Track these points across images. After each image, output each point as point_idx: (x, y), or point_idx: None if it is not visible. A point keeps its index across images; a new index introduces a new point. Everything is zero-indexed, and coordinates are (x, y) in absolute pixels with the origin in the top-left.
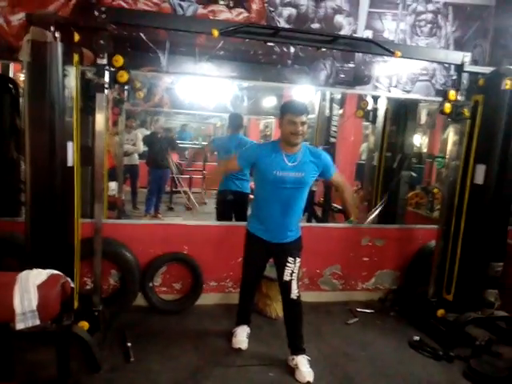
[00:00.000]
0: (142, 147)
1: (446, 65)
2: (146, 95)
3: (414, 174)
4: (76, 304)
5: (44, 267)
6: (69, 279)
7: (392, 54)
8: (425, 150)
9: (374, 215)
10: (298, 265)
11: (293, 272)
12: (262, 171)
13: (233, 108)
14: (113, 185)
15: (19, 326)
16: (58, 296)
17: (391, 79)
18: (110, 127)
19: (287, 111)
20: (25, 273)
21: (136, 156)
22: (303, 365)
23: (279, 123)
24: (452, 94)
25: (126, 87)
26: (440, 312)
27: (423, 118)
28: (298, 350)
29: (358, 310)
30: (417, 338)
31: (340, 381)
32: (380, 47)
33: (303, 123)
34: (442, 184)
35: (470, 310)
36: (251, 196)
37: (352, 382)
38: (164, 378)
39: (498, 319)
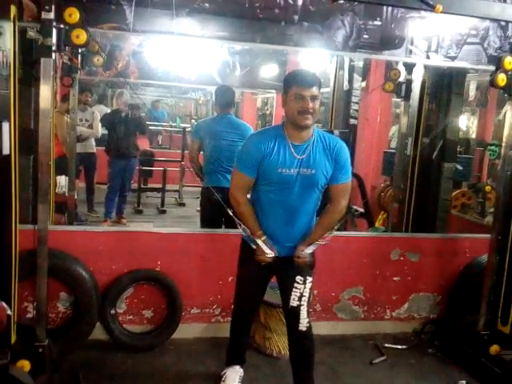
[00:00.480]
0: (100, 130)
1: (503, 23)
2: (107, 62)
3: (459, 167)
4: (13, 337)
5: None
6: (4, 305)
7: (432, 8)
8: (473, 135)
9: None
10: (308, 286)
11: (302, 295)
12: (265, 170)
13: (221, 79)
14: (62, 180)
15: None
16: None
17: (430, 42)
18: (59, 103)
19: (293, 83)
20: None
21: (92, 141)
22: None
23: (283, 100)
24: (509, 60)
25: (80, 51)
26: (494, 349)
27: (472, 93)
28: None
29: (386, 345)
30: (463, 382)
31: None
32: None
33: (314, 98)
34: (496, 180)
35: None
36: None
37: None
38: None
39: None
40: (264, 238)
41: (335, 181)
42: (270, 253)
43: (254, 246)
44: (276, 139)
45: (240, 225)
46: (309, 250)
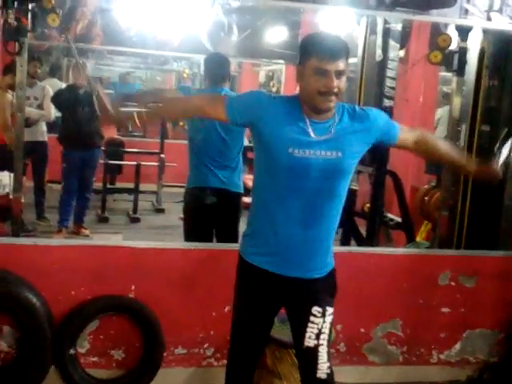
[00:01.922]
0: (53, 111)
1: None
2: (63, 22)
3: None
4: None
5: None
6: None
7: None
8: None
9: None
10: (329, 320)
11: (321, 332)
12: (269, 149)
13: (212, 46)
14: (4, 177)
15: None
16: None
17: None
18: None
19: (313, 52)
20: None
21: (43, 127)
22: None
23: (297, 73)
24: None
25: (30, 7)
26: None
27: None
28: None
29: None
30: None
31: None
32: None
33: (340, 73)
34: None
35: None
36: (245, 199)
37: None
38: None
39: None
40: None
41: (393, 137)
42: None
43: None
44: (290, 111)
45: None
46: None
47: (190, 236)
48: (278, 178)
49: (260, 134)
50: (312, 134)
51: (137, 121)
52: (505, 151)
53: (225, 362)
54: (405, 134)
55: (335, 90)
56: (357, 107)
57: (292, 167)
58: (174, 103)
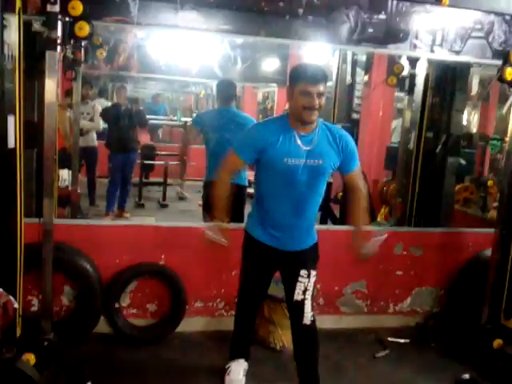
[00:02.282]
0: (101, 123)
1: (508, 17)
2: (108, 55)
3: (462, 162)
4: (19, 331)
5: None
6: (12, 298)
7: (437, 1)
8: (474, 129)
9: None
10: (313, 280)
11: (306, 289)
12: (269, 160)
13: (222, 73)
14: (65, 173)
15: None
16: None
17: (435, 36)
18: (60, 98)
19: (300, 78)
20: None
21: (94, 135)
22: None
23: (288, 94)
24: None
25: (83, 44)
26: (497, 343)
27: (474, 87)
28: None
29: (389, 339)
30: (466, 376)
31: None
32: None
33: (321, 94)
34: (498, 175)
35: None
36: (249, 190)
37: None
38: None
39: None
40: (226, 225)
41: (349, 169)
42: (223, 241)
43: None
44: (281, 129)
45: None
46: (377, 240)
47: (206, 217)
48: (275, 181)
49: (264, 154)
50: (301, 145)
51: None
52: None
53: (233, 312)
54: (356, 174)
55: (316, 106)
56: (335, 127)
57: (286, 172)
58: (223, 185)
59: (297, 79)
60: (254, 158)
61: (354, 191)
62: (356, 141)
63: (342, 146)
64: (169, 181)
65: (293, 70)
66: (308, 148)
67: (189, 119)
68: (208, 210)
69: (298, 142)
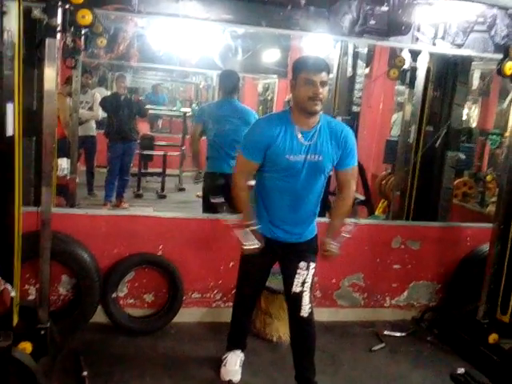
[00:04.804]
0: (100, 113)
1: (511, 11)
2: (108, 44)
3: (462, 156)
4: (16, 319)
5: None
6: (9, 286)
7: None
8: (474, 124)
9: None
10: (311, 272)
11: (305, 281)
12: (271, 156)
13: (222, 63)
14: (64, 162)
15: None
16: None
17: (437, 29)
18: (60, 85)
19: (302, 68)
20: None
21: (93, 124)
22: None
23: (291, 86)
24: None
25: (83, 32)
26: (492, 337)
27: (475, 82)
28: (308, 383)
29: (386, 332)
30: (462, 370)
31: None
32: None
33: (324, 83)
34: (497, 169)
35: None
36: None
37: None
38: None
39: None
40: (254, 228)
41: (345, 166)
42: (256, 243)
43: (241, 237)
44: (283, 125)
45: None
46: (338, 242)
47: (207, 208)
48: (276, 176)
49: (268, 150)
50: (302, 141)
51: None
52: None
53: (230, 304)
54: (352, 173)
55: (320, 95)
56: (337, 123)
57: (287, 168)
58: (242, 190)
59: (300, 69)
60: (262, 156)
61: (343, 189)
62: (356, 133)
63: (342, 143)
64: (167, 171)
65: (295, 61)
66: (309, 143)
67: (188, 109)
68: (207, 202)
69: (299, 137)
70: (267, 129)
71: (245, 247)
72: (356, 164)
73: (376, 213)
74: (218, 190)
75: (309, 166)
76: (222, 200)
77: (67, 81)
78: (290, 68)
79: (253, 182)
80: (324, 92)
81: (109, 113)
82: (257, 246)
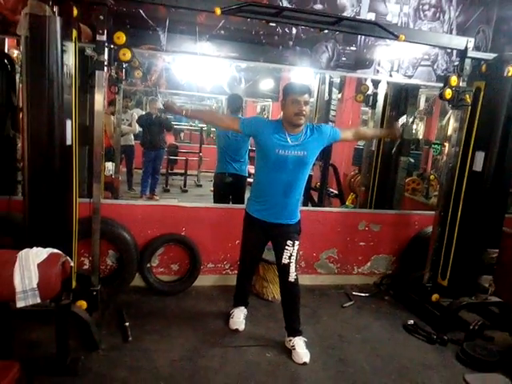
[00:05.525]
0: (137, 127)
1: (449, 50)
2: (143, 75)
3: (411, 160)
4: (74, 283)
5: (43, 246)
6: (68, 258)
7: (396, 37)
8: (421, 136)
9: None
10: (296, 248)
11: (291, 255)
12: (264, 149)
13: (230, 90)
14: (110, 165)
15: (20, 304)
16: (58, 275)
17: (393, 63)
18: (105, 106)
19: (290, 91)
20: (25, 251)
21: (131, 136)
22: (300, 346)
23: (282, 105)
24: (454, 79)
25: (124, 66)
26: (435, 297)
27: (422, 104)
28: (294, 331)
29: (354, 293)
30: (411, 321)
31: (335, 362)
32: (385, 30)
33: (306, 103)
34: (438, 171)
35: (464, 295)
36: (249, 179)
37: (347, 363)
38: (161, 357)
39: (491, 304)
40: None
41: (337, 137)
42: None
43: None
44: (276, 128)
45: None
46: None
47: (217, 199)
48: (269, 167)
49: (259, 141)
50: (289, 141)
51: (184, 112)
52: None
53: (235, 272)
54: (344, 133)
55: (304, 112)
56: (315, 125)
57: (277, 161)
58: (211, 113)
59: (288, 92)
60: (247, 132)
61: (357, 135)
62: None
63: (321, 134)
64: (188, 172)
65: (285, 86)
66: (295, 143)
67: (204, 125)
68: (217, 195)
69: (288, 139)
70: (264, 124)
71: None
72: (340, 129)
73: (347, 203)
74: (225, 187)
75: (295, 160)
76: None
77: (110, 103)
78: (281, 92)
79: (252, 170)
80: (307, 109)
81: (143, 128)
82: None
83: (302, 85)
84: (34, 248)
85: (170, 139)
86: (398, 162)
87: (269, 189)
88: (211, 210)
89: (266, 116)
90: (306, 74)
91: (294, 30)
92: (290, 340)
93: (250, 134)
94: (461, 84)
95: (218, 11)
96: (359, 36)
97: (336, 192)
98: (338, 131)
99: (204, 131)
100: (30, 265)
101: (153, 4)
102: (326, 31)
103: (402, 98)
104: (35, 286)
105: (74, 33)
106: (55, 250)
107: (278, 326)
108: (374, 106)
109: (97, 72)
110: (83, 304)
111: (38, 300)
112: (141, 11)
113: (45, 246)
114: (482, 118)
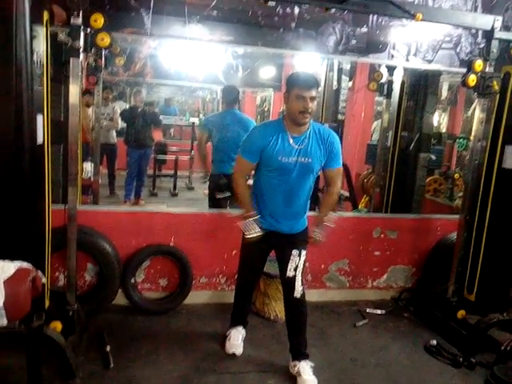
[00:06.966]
0: (119, 123)
1: (474, 30)
2: (126, 63)
3: (432, 157)
4: (47, 302)
5: (10, 259)
6: (40, 273)
7: (412, 16)
8: (443, 129)
9: None
10: (303, 259)
11: (297, 267)
12: (266, 158)
13: (225, 79)
14: (88, 166)
15: None
16: (28, 292)
17: (410, 47)
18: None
19: (295, 85)
20: None
21: (113, 133)
22: (306, 372)
23: (285, 98)
24: (478, 64)
25: (103, 52)
26: (460, 313)
27: (444, 92)
28: (300, 355)
29: (368, 310)
30: (434, 342)
31: None
32: (399, 8)
33: (313, 99)
34: (463, 168)
35: (494, 311)
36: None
37: None
38: None
39: None
40: (255, 218)
41: (330, 166)
42: (258, 231)
43: (244, 227)
44: (277, 131)
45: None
46: (322, 230)
47: (212, 203)
48: (270, 175)
49: (262, 152)
50: (293, 145)
51: None
52: None
53: (233, 287)
54: (337, 173)
55: (310, 110)
56: (325, 129)
57: (280, 168)
58: (241, 187)
59: (292, 85)
60: (258, 157)
61: (329, 186)
62: (341, 138)
63: (328, 146)
64: (179, 173)
65: (289, 77)
66: (299, 147)
67: (196, 119)
68: (212, 199)
69: (291, 142)
70: (262, 134)
71: (248, 236)
72: (341, 165)
73: (359, 207)
74: (222, 188)
75: (299, 166)
76: (227, 194)
77: (85, 92)
78: (284, 82)
79: (250, 181)
80: (313, 106)
81: (127, 123)
82: (259, 234)
83: (308, 77)
84: (0, 262)
85: (157, 136)
86: (417, 159)
87: (269, 197)
88: (205, 216)
89: (266, 108)
90: (311, 60)
91: (297, 10)
92: (295, 365)
93: (260, 156)
94: (487, 69)
95: None
96: (371, 16)
97: (347, 194)
98: (339, 162)
99: (196, 126)
100: None
101: None
102: (333, 10)
103: (420, 86)
104: (1, 305)
105: (46, 15)
106: (25, 264)
107: (281, 349)
108: (389, 96)
109: (72, 60)
110: (58, 325)
111: (5, 321)
112: None
113: (13, 260)
114: None
